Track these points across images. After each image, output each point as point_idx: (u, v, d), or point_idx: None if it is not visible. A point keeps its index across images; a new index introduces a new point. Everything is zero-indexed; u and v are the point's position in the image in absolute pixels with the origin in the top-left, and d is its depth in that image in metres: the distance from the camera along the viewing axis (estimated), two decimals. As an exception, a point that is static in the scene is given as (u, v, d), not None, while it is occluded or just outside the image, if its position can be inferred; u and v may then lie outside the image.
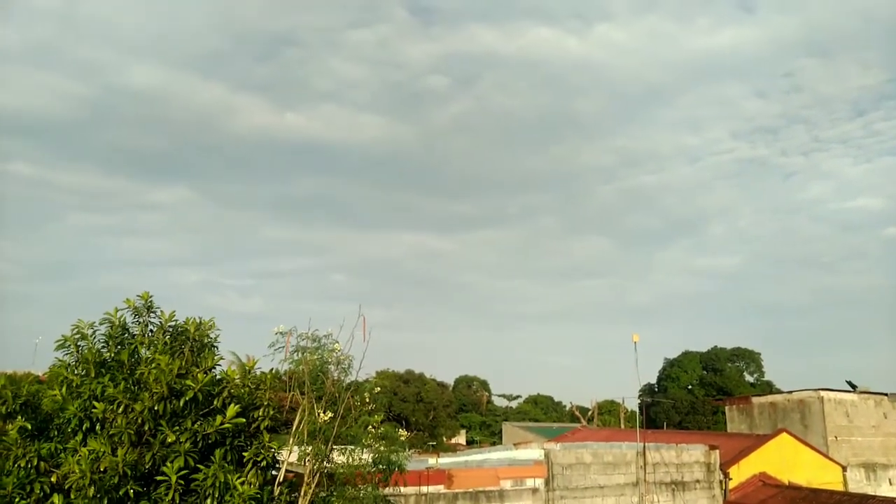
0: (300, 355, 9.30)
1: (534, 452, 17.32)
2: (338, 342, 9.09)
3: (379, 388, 9.43)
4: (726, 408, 34.75)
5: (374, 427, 8.91)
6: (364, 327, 9.16)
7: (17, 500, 6.61)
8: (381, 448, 8.85)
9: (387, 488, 9.39)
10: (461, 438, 69.64)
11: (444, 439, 62.86)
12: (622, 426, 48.23)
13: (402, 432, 9.35)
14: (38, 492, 6.76)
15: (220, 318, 9.27)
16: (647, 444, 19.65)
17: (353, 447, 8.70)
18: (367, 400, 9.21)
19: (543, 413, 75.11)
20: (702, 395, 65.99)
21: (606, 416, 61.66)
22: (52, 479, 6.90)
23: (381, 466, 8.86)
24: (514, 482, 15.12)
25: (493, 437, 65.05)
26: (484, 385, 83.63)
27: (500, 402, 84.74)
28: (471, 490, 13.95)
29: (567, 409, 75.09)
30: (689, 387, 69.20)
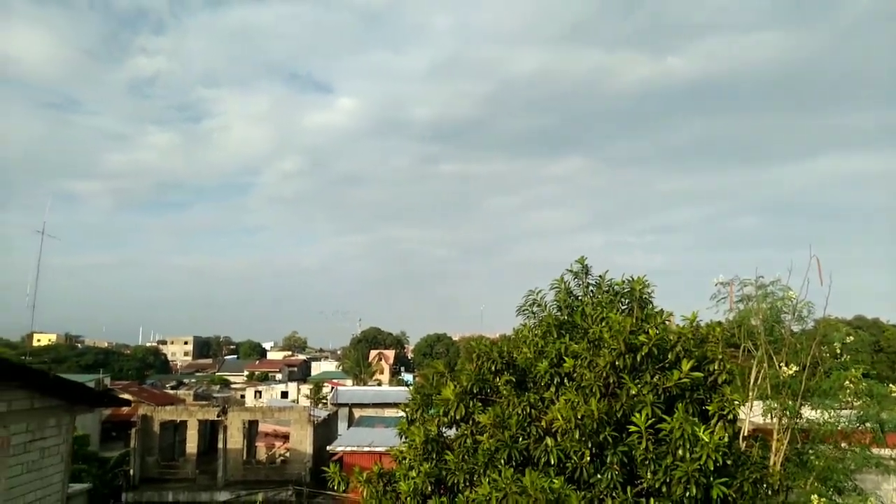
0: (745, 305, 8.77)
1: None
2: (790, 289, 8.24)
3: (851, 338, 8.17)
4: None
5: (852, 382, 7.77)
6: (819, 270, 8.10)
7: (520, 438, 7.93)
8: (868, 405, 7.66)
9: (879, 450, 8.13)
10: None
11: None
12: None
13: (894, 388, 7.89)
14: (534, 433, 7.98)
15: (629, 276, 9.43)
16: None
17: (828, 402, 7.77)
18: (838, 351, 8.11)
19: None
20: None
21: None
22: (542, 424, 8.05)
23: (869, 425, 7.70)
24: None
25: None
26: (973, 330, 65.62)
27: None
28: None
29: None
30: None
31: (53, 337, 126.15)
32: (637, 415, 7.42)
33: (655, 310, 9.22)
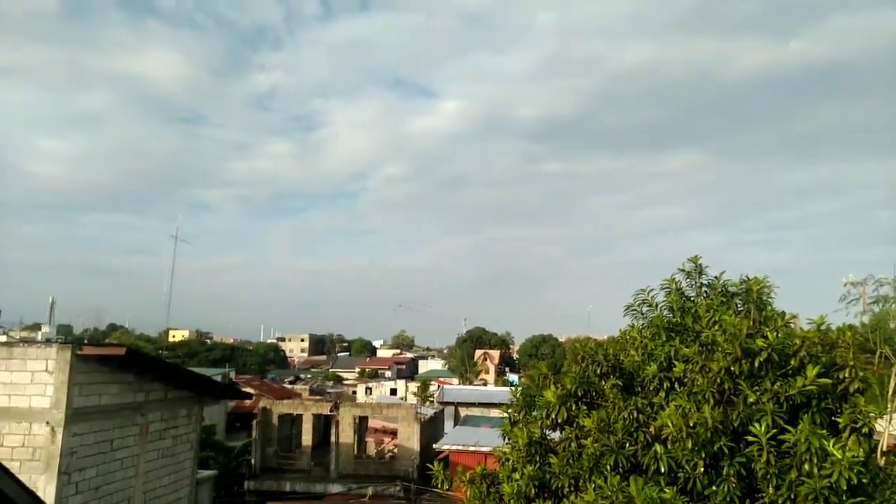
0: (882, 306, 7.94)
1: None
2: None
3: None
4: None
5: None
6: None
7: (626, 444, 7.64)
8: None
9: None
10: None
11: None
12: None
13: None
14: (642, 440, 7.65)
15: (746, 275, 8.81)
16: None
17: None
18: None
19: None
20: None
21: None
22: (651, 430, 7.71)
23: None
24: None
25: None
26: None
27: None
28: None
29: None
30: None
31: (186, 333, 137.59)
32: (756, 425, 6.92)
33: (776, 312, 8.58)
